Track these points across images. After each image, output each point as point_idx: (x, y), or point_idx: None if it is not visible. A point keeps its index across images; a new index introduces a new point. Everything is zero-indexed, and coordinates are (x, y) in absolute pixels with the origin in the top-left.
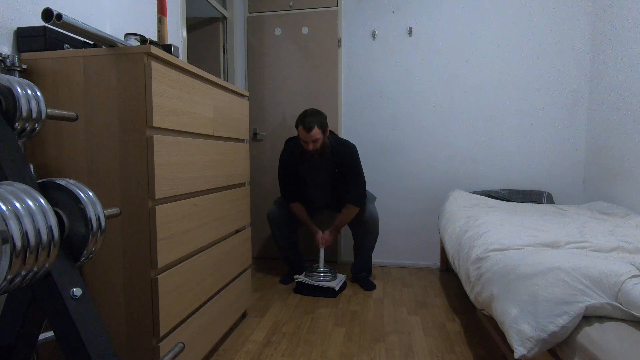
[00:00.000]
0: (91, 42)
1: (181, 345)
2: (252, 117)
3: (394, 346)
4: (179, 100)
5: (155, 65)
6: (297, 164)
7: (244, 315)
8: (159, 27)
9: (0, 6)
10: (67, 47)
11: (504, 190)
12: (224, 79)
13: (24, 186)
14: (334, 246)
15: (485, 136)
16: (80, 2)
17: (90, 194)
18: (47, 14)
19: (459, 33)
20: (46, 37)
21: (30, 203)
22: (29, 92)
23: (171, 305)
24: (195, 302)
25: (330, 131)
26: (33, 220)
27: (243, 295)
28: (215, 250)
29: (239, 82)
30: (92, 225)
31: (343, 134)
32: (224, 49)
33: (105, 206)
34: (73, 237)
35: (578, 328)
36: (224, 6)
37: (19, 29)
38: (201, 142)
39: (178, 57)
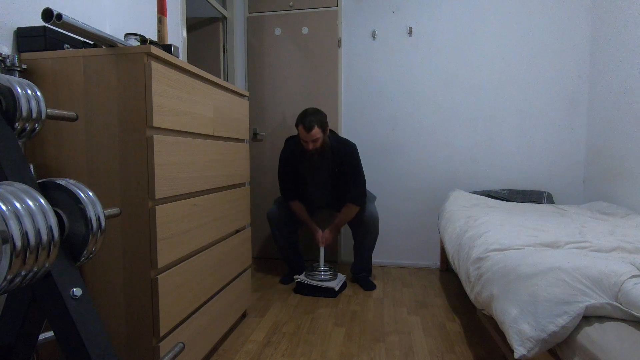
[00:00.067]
0: (91, 42)
1: (181, 345)
2: (252, 117)
3: (394, 346)
4: (179, 100)
5: (155, 65)
6: (297, 163)
7: (244, 315)
8: (159, 27)
9: (0, 6)
10: (67, 47)
11: (504, 190)
12: (224, 79)
13: (24, 186)
14: (334, 246)
15: (485, 136)
16: (80, 2)
17: (90, 194)
18: (47, 14)
19: (459, 33)
20: (46, 37)
21: (30, 203)
22: (29, 92)
23: (171, 305)
24: (195, 302)
25: (331, 130)
26: (33, 220)
27: (243, 295)
28: (215, 250)
29: (239, 82)
30: (92, 225)
31: (343, 134)
32: (224, 49)
33: (105, 206)
34: (73, 237)
35: (578, 328)
36: (224, 6)
37: (19, 29)
38: (201, 142)
39: (178, 57)
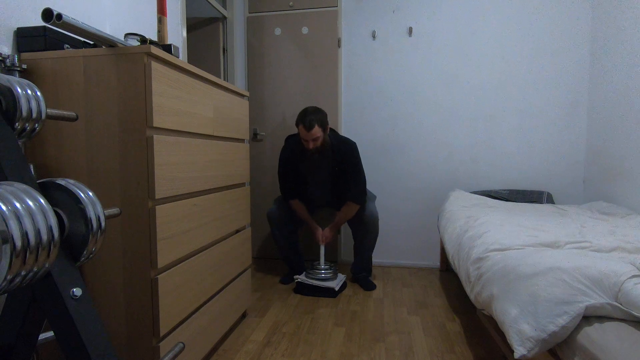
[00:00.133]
0: (91, 42)
1: (181, 345)
2: (252, 117)
3: (394, 346)
4: (179, 100)
5: (155, 65)
6: (297, 162)
7: (244, 315)
8: (159, 27)
9: (0, 6)
10: (67, 47)
11: (504, 190)
12: (224, 79)
13: (24, 186)
14: (334, 246)
15: (485, 136)
16: (80, 2)
17: (90, 194)
18: (47, 14)
19: (459, 33)
20: (46, 37)
21: (30, 203)
22: (29, 92)
23: (171, 305)
24: (195, 302)
25: (331, 128)
26: (33, 220)
27: (243, 295)
28: (215, 250)
29: (239, 82)
30: (92, 225)
31: (343, 134)
32: (224, 49)
33: (105, 206)
34: (73, 237)
35: (578, 328)
36: (224, 6)
37: (19, 29)
38: (201, 142)
39: (178, 57)
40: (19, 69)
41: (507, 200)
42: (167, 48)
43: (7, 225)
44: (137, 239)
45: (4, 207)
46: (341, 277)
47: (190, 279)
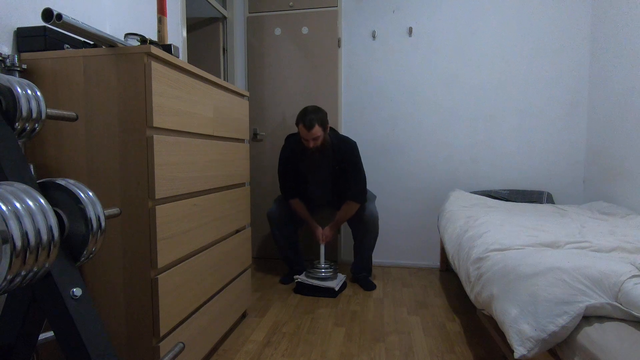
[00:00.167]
0: (91, 42)
1: (181, 345)
2: (252, 117)
3: (394, 346)
4: (179, 100)
5: (155, 65)
6: (297, 161)
7: (244, 315)
8: (159, 27)
9: (0, 6)
10: (67, 47)
11: (504, 190)
12: (224, 79)
13: (24, 186)
14: (334, 245)
15: (485, 136)
16: (80, 2)
17: (90, 194)
18: (47, 14)
19: (459, 33)
20: (46, 37)
21: (30, 203)
22: (29, 92)
23: (171, 305)
24: (195, 302)
25: (331, 128)
26: (33, 220)
27: (243, 295)
28: (215, 250)
29: (239, 82)
30: (92, 225)
31: (343, 134)
32: (224, 49)
33: (105, 206)
34: (73, 237)
35: (578, 328)
36: (224, 6)
37: (19, 29)
38: (201, 142)
39: (178, 57)
40: (19, 69)
41: (507, 200)
42: (167, 48)
43: (7, 225)
44: (137, 239)
45: (4, 207)
46: (341, 277)
47: (190, 279)
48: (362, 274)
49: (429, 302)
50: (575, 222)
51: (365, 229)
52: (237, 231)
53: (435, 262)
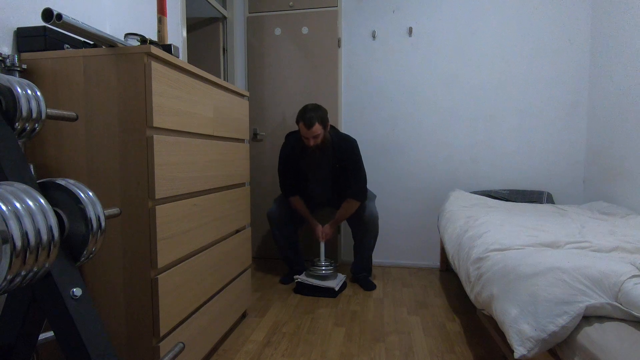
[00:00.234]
0: (91, 42)
1: (181, 345)
2: (252, 117)
3: (394, 346)
4: (179, 100)
5: (155, 65)
6: (297, 159)
7: (244, 315)
8: (159, 27)
9: (0, 6)
10: (67, 47)
11: (504, 190)
12: (224, 79)
13: (24, 186)
14: (334, 245)
15: (485, 136)
16: (80, 2)
17: (90, 194)
18: (47, 14)
19: (459, 33)
20: (46, 37)
21: (30, 203)
22: (29, 92)
23: (171, 305)
24: (195, 302)
25: (331, 126)
26: (33, 220)
27: (243, 295)
28: (215, 250)
29: (239, 82)
30: (92, 225)
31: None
32: (224, 49)
33: (105, 206)
34: (73, 237)
35: (578, 328)
36: (224, 6)
37: (19, 29)
38: (201, 142)
39: (178, 57)
40: (19, 69)
41: (507, 200)
42: (167, 48)
43: (7, 225)
44: (137, 239)
45: (4, 207)
46: (341, 277)
47: (190, 279)
48: (362, 274)
49: (429, 302)
50: (575, 222)
51: (365, 229)
52: (237, 231)
53: (435, 262)
